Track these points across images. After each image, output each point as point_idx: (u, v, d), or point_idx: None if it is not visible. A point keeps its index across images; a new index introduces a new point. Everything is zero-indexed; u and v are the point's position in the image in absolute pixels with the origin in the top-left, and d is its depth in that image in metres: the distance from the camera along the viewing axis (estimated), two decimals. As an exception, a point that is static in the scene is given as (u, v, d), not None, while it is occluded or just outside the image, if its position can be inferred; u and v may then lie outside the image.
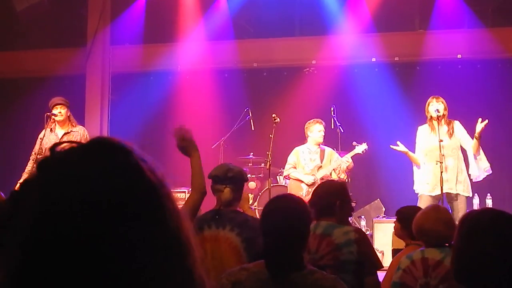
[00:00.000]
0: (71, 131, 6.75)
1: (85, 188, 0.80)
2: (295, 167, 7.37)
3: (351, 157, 7.42)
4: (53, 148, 0.86)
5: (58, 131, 6.75)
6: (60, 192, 0.80)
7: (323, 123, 7.43)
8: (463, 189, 6.41)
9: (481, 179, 6.61)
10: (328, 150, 7.44)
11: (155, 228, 0.82)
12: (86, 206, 0.79)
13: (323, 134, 7.35)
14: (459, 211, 6.19)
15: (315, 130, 7.34)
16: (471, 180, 6.55)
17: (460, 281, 2.03)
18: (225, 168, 3.69)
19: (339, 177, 7.41)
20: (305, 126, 7.47)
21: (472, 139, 6.40)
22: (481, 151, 6.56)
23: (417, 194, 6.57)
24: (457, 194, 6.36)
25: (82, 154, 0.84)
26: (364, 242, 3.37)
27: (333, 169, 7.36)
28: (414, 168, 6.69)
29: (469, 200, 6.64)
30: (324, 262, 3.24)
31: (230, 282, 2.51)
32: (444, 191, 6.23)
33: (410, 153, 6.60)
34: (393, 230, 4.27)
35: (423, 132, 6.60)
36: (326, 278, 2.50)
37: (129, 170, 0.83)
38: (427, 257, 3.29)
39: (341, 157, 7.47)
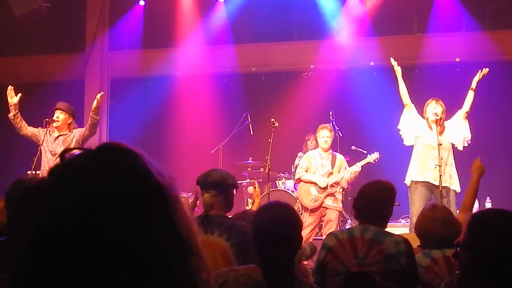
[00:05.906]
0: (64, 134, 6.75)
1: (94, 192, 0.81)
2: (306, 171, 7.28)
3: (361, 166, 7.33)
4: (62, 154, 0.86)
5: (54, 134, 6.78)
6: (70, 197, 0.80)
7: (329, 128, 7.28)
8: (451, 183, 6.42)
9: (460, 148, 6.56)
10: (339, 157, 7.33)
11: (164, 231, 0.83)
12: (95, 209, 0.79)
13: (326, 140, 7.19)
14: (448, 204, 6.19)
15: (319, 136, 7.28)
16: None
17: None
18: (206, 174, 3.69)
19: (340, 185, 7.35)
20: (316, 131, 7.42)
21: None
22: (467, 121, 6.58)
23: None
24: (445, 187, 6.37)
25: (91, 159, 0.85)
26: (412, 254, 3.35)
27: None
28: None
29: (458, 196, 6.63)
30: (373, 269, 3.23)
31: (217, 283, 2.48)
32: (432, 182, 6.32)
33: (400, 72, 6.74)
34: None
35: (424, 125, 6.58)
36: None
37: (138, 174, 0.84)
38: (448, 255, 3.19)
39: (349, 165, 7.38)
